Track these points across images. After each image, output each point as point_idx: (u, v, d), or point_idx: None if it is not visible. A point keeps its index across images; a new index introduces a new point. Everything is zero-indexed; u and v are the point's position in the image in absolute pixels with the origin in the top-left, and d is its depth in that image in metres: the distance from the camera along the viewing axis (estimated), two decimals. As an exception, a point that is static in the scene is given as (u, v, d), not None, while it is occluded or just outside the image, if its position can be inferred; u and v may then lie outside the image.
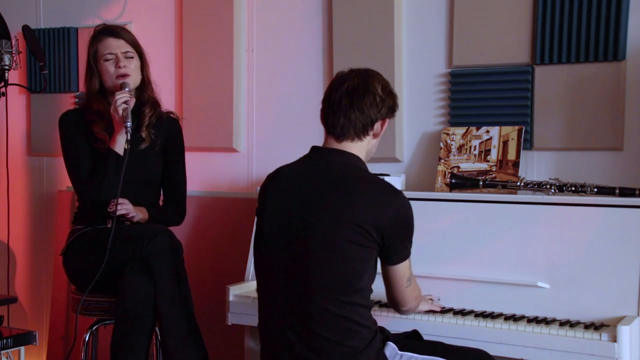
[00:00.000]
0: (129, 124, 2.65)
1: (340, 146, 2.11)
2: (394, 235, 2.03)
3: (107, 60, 2.77)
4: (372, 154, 2.21)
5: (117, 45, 2.78)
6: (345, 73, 2.13)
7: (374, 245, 2.01)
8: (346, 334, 2.00)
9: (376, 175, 2.18)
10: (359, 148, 2.12)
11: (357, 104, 2.07)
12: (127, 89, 2.74)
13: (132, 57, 2.80)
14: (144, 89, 2.86)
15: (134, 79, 2.81)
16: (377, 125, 2.12)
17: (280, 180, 2.15)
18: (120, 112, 2.67)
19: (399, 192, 2.06)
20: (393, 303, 2.22)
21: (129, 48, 2.81)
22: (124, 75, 2.76)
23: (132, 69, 2.79)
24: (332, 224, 1.99)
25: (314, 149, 2.17)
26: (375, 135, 2.14)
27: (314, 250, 2.00)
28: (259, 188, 3.02)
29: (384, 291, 2.21)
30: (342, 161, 2.09)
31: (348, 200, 2.00)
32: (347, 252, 1.98)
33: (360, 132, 2.09)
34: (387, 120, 2.15)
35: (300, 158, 2.18)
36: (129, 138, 2.65)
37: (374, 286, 2.10)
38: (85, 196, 2.76)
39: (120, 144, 2.72)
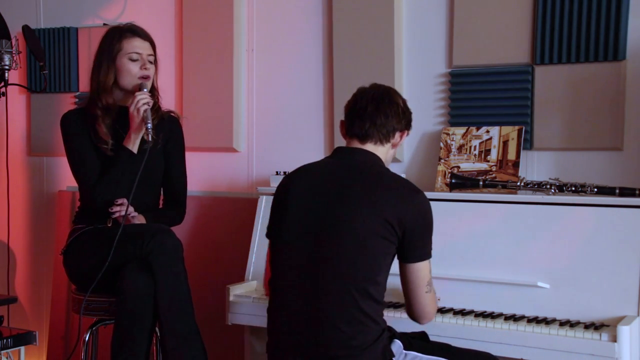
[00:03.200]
0: (149, 125, 2.66)
1: (363, 147, 2.20)
2: (415, 232, 2.07)
3: (132, 59, 2.75)
4: (389, 164, 2.28)
5: (144, 47, 2.78)
6: (367, 86, 2.26)
7: (394, 240, 2.06)
8: (358, 327, 2.03)
9: (396, 174, 2.23)
10: (380, 152, 2.22)
11: (383, 110, 2.19)
12: (145, 90, 2.74)
13: (152, 63, 2.82)
14: (152, 90, 2.86)
15: (150, 83, 2.82)
16: (397, 135, 2.23)
17: (304, 175, 2.22)
18: (142, 112, 2.68)
19: (421, 191, 2.13)
20: (414, 314, 2.19)
21: (152, 52, 2.82)
22: (146, 77, 2.77)
23: (152, 73, 2.81)
24: (357, 215, 2.05)
25: (337, 149, 2.27)
26: (393, 145, 2.25)
27: (339, 239, 2.05)
28: (259, 188, 3.07)
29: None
30: (364, 159, 2.19)
31: (373, 194, 2.07)
32: (370, 243, 2.04)
33: (384, 137, 2.20)
34: (406, 133, 2.27)
35: (323, 158, 2.27)
36: (150, 139, 2.66)
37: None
38: (96, 196, 2.73)
39: (135, 143, 2.73)
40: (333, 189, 2.11)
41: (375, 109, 2.19)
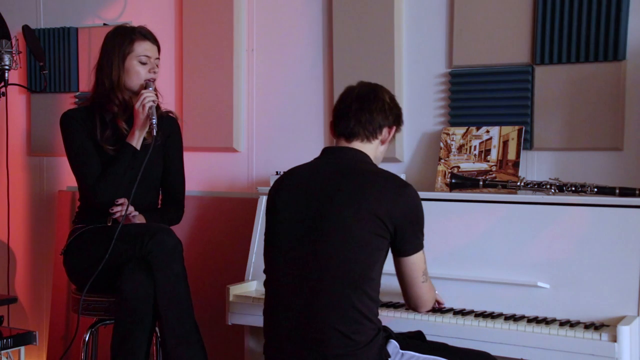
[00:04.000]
0: (154, 120, 2.69)
1: (350, 145, 2.21)
2: (405, 225, 2.08)
3: (142, 62, 2.79)
4: (380, 161, 2.28)
5: (153, 51, 2.83)
6: (354, 85, 2.27)
7: (386, 235, 2.07)
8: (353, 325, 2.03)
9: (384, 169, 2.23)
10: (368, 149, 2.22)
11: (367, 108, 2.20)
12: (151, 88, 2.77)
13: (158, 65, 2.86)
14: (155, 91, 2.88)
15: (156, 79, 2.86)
16: (385, 131, 2.23)
17: (292, 178, 2.23)
18: (147, 109, 2.71)
19: (409, 185, 2.14)
20: (411, 303, 2.21)
21: (159, 56, 2.87)
22: (153, 80, 2.81)
23: (157, 76, 2.85)
24: (346, 212, 2.05)
25: (324, 149, 2.28)
26: (382, 142, 2.25)
27: (329, 238, 2.06)
28: (259, 188, 3.07)
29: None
30: (351, 157, 2.19)
31: (361, 190, 2.07)
32: (361, 239, 2.04)
33: (370, 134, 2.20)
34: (394, 129, 2.26)
35: (313, 159, 2.27)
36: (154, 134, 2.71)
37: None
38: (97, 193, 2.74)
39: (139, 140, 2.76)
40: (321, 189, 2.12)
41: (359, 107, 2.20)
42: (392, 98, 2.27)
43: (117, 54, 2.79)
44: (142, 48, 2.80)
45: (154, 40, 2.85)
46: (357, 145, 2.20)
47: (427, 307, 2.23)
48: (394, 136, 2.30)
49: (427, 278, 2.18)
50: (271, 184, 3.04)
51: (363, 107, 2.19)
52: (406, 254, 2.11)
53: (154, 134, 2.71)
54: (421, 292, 2.17)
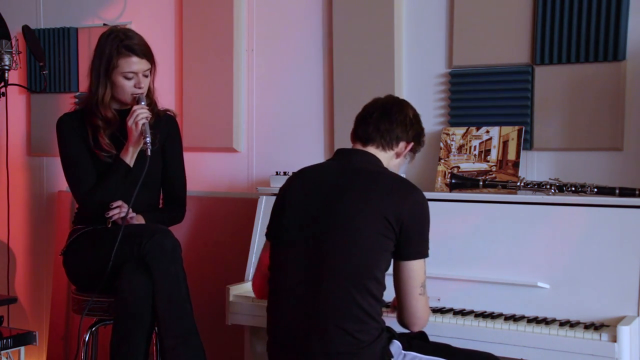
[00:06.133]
0: (148, 139, 2.66)
1: (364, 149, 2.24)
2: (411, 228, 2.08)
3: (127, 78, 2.74)
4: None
5: (140, 65, 2.74)
6: (381, 97, 2.31)
7: (392, 237, 2.07)
8: (357, 324, 2.04)
9: (394, 172, 2.24)
10: (382, 157, 2.24)
11: (388, 117, 2.23)
12: (143, 103, 2.74)
13: (147, 76, 2.80)
14: (148, 95, 2.85)
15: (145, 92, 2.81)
16: (402, 145, 2.26)
17: (304, 177, 2.24)
18: (140, 126, 2.68)
19: (418, 189, 2.15)
20: (404, 318, 2.16)
21: (148, 66, 2.79)
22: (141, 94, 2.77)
23: (145, 89, 2.79)
24: (354, 213, 2.07)
25: (337, 151, 2.30)
26: (397, 155, 2.27)
27: (337, 237, 2.07)
28: (259, 188, 3.07)
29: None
30: (364, 158, 2.21)
31: (370, 191, 2.09)
32: (368, 240, 2.05)
33: (386, 143, 2.23)
34: (412, 146, 2.28)
35: (325, 160, 2.30)
36: (149, 154, 2.66)
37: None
38: (88, 204, 2.76)
39: (132, 156, 2.74)
40: (331, 188, 2.13)
41: (381, 115, 2.23)
42: (416, 116, 2.30)
43: (103, 68, 2.73)
44: (127, 64, 2.72)
45: (142, 54, 2.75)
46: (372, 150, 2.23)
47: (421, 326, 2.18)
48: (413, 156, 2.34)
49: (425, 293, 2.15)
50: (271, 184, 3.07)
51: (384, 116, 2.23)
52: (408, 257, 2.10)
53: (149, 153, 2.66)
54: (417, 305, 2.13)
